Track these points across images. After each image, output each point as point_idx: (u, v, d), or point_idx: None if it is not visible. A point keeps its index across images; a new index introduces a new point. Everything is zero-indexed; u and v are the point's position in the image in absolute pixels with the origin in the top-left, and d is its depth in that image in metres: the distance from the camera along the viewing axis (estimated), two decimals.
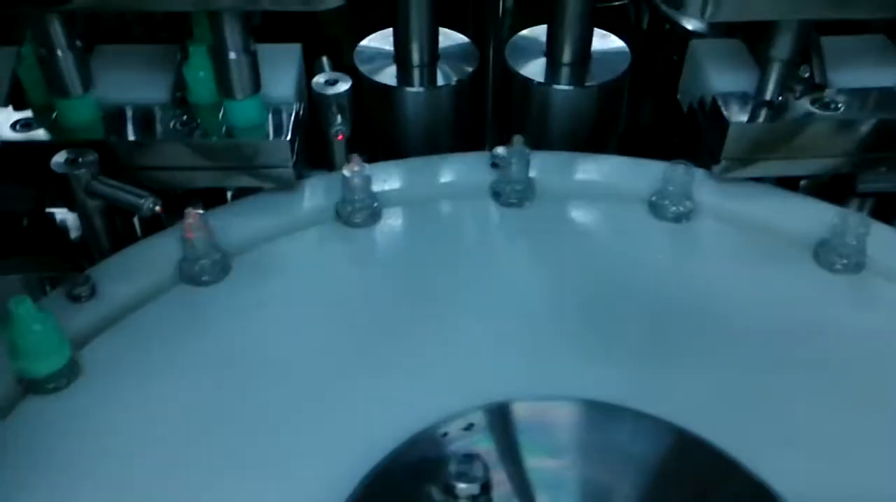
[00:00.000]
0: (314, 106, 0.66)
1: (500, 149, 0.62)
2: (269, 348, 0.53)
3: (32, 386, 0.49)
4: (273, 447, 0.47)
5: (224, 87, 0.58)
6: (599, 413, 0.49)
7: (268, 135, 0.59)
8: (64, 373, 0.49)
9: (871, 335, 0.54)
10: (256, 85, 0.59)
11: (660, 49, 0.81)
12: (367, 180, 0.59)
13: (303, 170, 0.63)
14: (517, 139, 0.60)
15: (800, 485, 0.45)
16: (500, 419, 0.48)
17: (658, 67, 0.81)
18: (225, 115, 0.59)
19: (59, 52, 0.57)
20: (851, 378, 0.52)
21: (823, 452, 0.48)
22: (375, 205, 0.61)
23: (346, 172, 0.59)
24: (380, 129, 0.71)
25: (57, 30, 0.56)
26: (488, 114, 0.79)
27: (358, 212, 0.60)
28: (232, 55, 0.56)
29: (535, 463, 0.47)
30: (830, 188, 0.66)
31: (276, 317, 0.54)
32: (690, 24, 0.77)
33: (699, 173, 0.62)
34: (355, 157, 0.59)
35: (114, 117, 0.60)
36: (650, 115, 0.86)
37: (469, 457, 0.43)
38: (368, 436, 0.47)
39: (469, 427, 0.47)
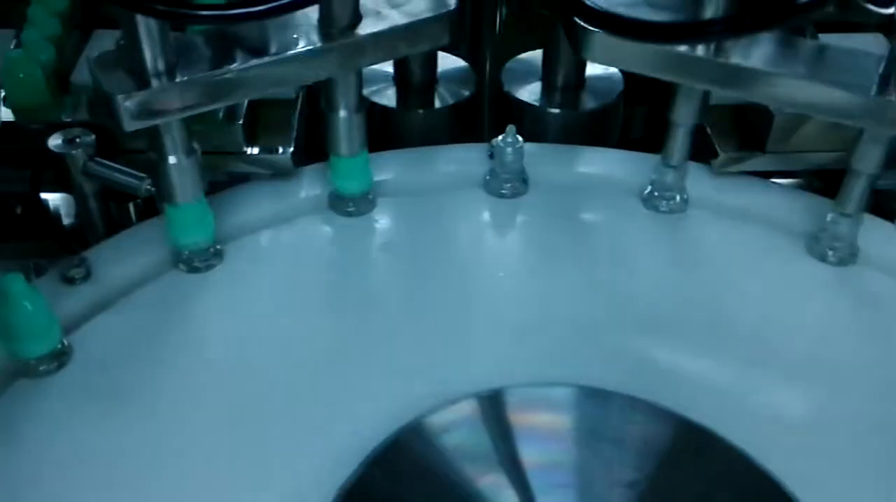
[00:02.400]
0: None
1: (497, 139, 0.62)
2: (262, 336, 0.52)
3: (23, 370, 0.49)
4: (265, 434, 0.47)
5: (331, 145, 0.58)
6: (594, 399, 0.49)
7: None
8: (55, 357, 0.49)
9: (864, 326, 0.54)
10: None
11: None
12: None
13: (301, 157, 0.64)
14: (510, 129, 0.60)
15: (796, 477, 0.45)
16: (494, 407, 0.49)
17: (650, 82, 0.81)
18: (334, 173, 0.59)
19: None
20: (844, 369, 0.52)
21: (818, 444, 0.48)
22: (370, 195, 0.61)
23: None
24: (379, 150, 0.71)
25: None
26: (485, 136, 0.79)
27: (352, 202, 0.60)
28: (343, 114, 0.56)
29: (530, 451, 0.47)
30: (826, 183, 0.66)
31: (269, 305, 0.54)
32: None
33: (693, 166, 0.62)
34: None
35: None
36: (640, 127, 0.86)
37: None
38: (364, 424, 0.47)
39: None
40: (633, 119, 0.84)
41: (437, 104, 0.72)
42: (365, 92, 0.70)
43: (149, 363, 0.50)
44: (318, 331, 0.53)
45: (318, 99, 0.65)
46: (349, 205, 0.60)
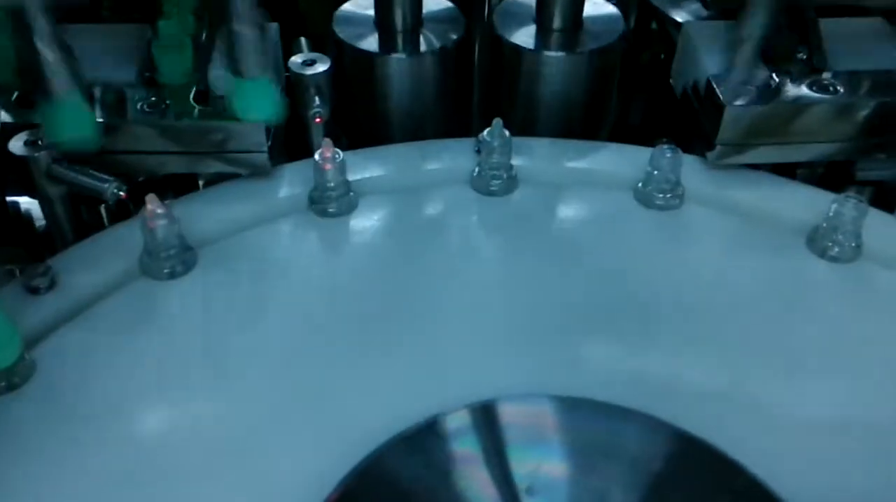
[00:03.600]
0: (292, 87, 0.63)
1: (484, 133, 0.60)
2: (237, 345, 0.50)
3: None
4: (243, 449, 0.45)
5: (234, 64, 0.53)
6: (588, 411, 0.46)
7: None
8: (16, 371, 0.47)
9: (867, 323, 0.52)
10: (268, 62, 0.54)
11: (647, 47, 0.78)
12: (342, 167, 0.57)
13: (279, 156, 0.61)
14: (497, 122, 0.58)
15: (797, 479, 0.43)
16: (486, 418, 0.46)
17: (645, 65, 0.79)
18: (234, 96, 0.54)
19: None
20: (847, 365, 0.50)
21: (818, 442, 0.46)
22: (351, 193, 0.58)
23: (317, 158, 0.56)
24: (360, 100, 0.68)
25: None
26: (475, 83, 0.75)
27: (333, 201, 0.57)
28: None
29: (522, 463, 0.44)
30: (828, 176, 0.64)
31: (245, 313, 0.52)
32: (680, 17, 0.74)
33: (690, 159, 0.60)
34: (327, 142, 0.56)
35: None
36: (638, 114, 0.83)
37: None
38: (347, 435, 0.44)
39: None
40: (632, 106, 0.82)
41: (423, 48, 0.67)
42: (344, 36, 0.67)
43: (116, 379, 0.48)
44: (297, 341, 0.50)
45: (295, 98, 0.63)
46: (329, 205, 0.58)
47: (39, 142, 0.54)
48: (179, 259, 0.53)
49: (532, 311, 0.53)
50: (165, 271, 0.53)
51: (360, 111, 0.68)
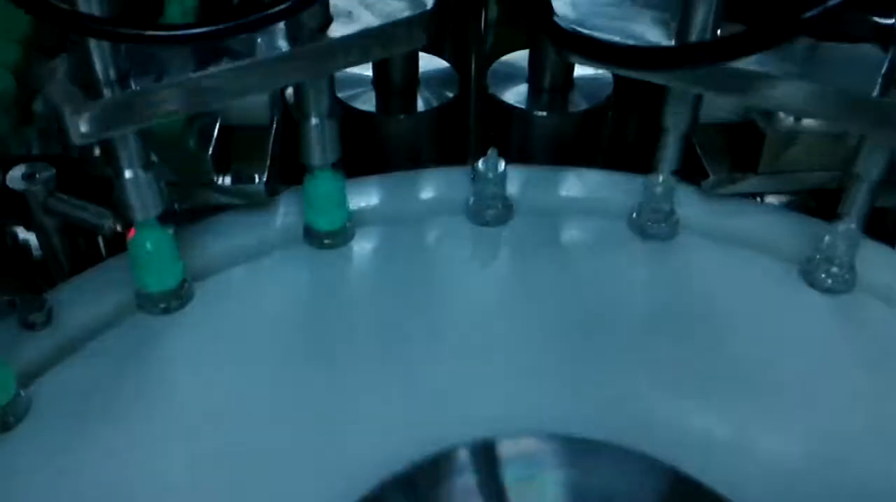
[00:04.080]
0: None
1: (479, 164, 0.60)
2: (235, 383, 0.50)
3: None
4: (238, 489, 0.45)
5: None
6: (586, 451, 0.46)
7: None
8: (10, 410, 0.46)
9: (861, 358, 0.52)
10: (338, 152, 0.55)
11: None
12: None
13: (276, 186, 0.61)
14: (492, 152, 0.58)
15: None
16: (484, 456, 0.46)
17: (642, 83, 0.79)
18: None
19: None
20: (840, 397, 0.50)
21: (809, 478, 0.46)
22: (347, 224, 0.58)
23: None
24: (357, 159, 0.69)
25: None
26: (471, 141, 0.77)
27: (328, 234, 0.57)
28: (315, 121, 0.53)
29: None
30: (824, 205, 0.64)
31: (242, 349, 0.52)
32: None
33: (685, 188, 0.60)
34: None
35: None
36: (634, 133, 0.84)
37: None
38: (342, 473, 0.44)
39: None
40: (627, 124, 0.82)
41: (420, 108, 0.69)
42: (343, 96, 0.68)
43: (113, 416, 0.48)
44: (294, 374, 0.50)
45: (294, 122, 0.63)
46: (325, 237, 0.58)
47: (37, 176, 0.54)
48: (175, 294, 0.53)
49: (529, 344, 0.53)
50: (161, 306, 0.53)
51: (358, 169, 0.69)
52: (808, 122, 0.57)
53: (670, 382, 0.51)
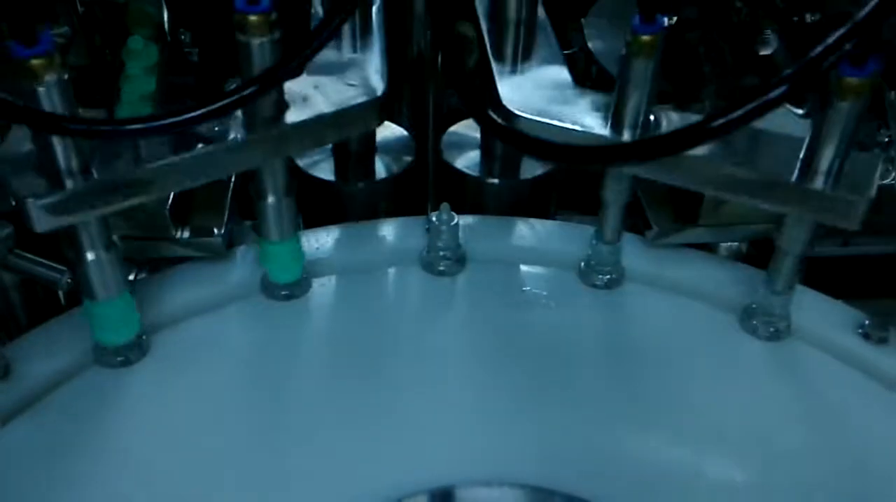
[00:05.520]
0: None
1: (433, 217, 0.62)
2: (194, 432, 0.51)
3: None
4: None
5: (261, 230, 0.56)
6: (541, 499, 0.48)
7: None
8: None
9: (794, 401, 0.55)
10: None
11: None
12: None
13: (234, 232, 0.62)
14: (444, 206, 0.60)
15: None
16: None
17: None
18: (265, 260, 0.58)
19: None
20: (779, 444, 0.52)
21: None
22: (304, 275, 0.60)
23: None
24: (319, 224, 0.70)
25: None
26: (429, 207, 0.79)
27: (284, 285, 0.59)
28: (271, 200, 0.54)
29: None
30: (762, 252, 0.67)
31: (199, 400, 0.53)
32: None
33: (630, 238, 0.62)
34: None
35: None
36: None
37: None
38: None
39: None
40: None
41: (379, 174, 0.71)
42: (302, 164, 0.70)
43: (71, 470, 0.48)
44: (253, 426, 0.52)
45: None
46: (283, 288, 0.59)
47: None
48: (133, 346, 0.54)
49: (481, 392, 0.55)
50: (119, 359, 0.54)
51: None
52: None
53: (618, 425, 0.53)
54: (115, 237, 0.51)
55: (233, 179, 0.63)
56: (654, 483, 0.50)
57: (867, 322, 0.57)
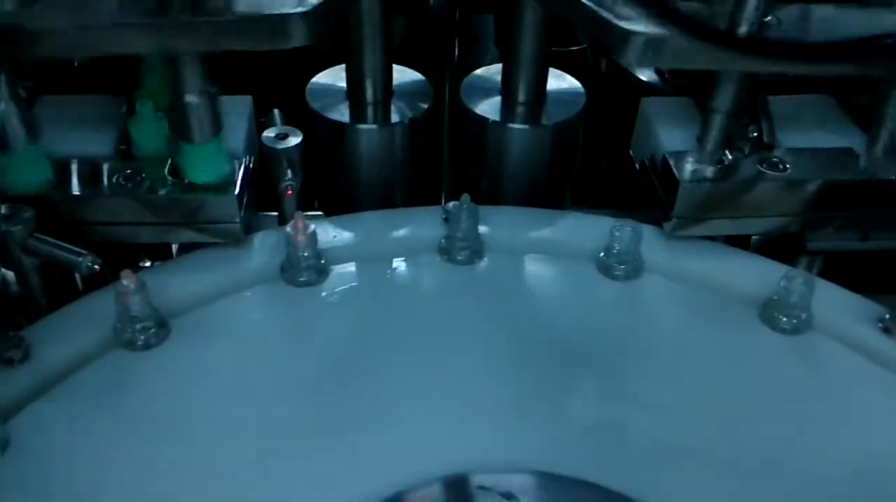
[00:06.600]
0: (265, 159, 0.65)
1: (451, 205, 0.62)
2: (211, 416, 0.51)
3: None
4: None
5: (181, 131, 0.56)
6: (557, 487, 0.48)
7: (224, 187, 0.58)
8: None
9: (814, 395, 0.54)
10: (216, 128, 0.57)
11: (618, 93, 0.81)
12: (313, 238, 0.58)
13: (252, 220, 0.62)
14: (464, 197, 0.60)
15: None
16: (458, 491, 0.48)
17: (616, 111, 0.81)
18: (183, 161, 0.57)
19: (2, 104, 0.55)
20: (798, 438, 0.52)
21: None
22: (322, 262, 0.60)
23: (289, 230, 0.58)
24: (332, 169, 0.70)
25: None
26: (445, 152, 0.78)
27: (304, 270, 0.59)
28: (190, 98, 0.54)
29: None
30: (782, 245, 0.67)
31: (219, 383, 0.53)
32: (644, 75, 0.78)
33: (648, 230, 0.62)
34: (299, 215, 0.58)
35: (54, 170, 0.58)
36: (607, 159, 0.86)
37: None
38: None
39: None
40: (600, 151, 0.85)
41: (394, 119, 0.69)
42: (317, 106, 0.69)
43: (91, 452, 0.48)
44: (270, 411, 0.51)
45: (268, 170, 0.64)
46: (301, 274, 0.59)
47: (17, 216, 0.55)
48: (153, 330, 0.54)
49: (498, 380, 0.54)
50: (139, 343, 0.54)
51: (333, 179, 0.70)
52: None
53: (635, 415, 0.53)
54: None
55: (250, 166, 0.63)
56: (669, 471, 0.49)
57: (887, 316, 0.57)
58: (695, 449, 0.51)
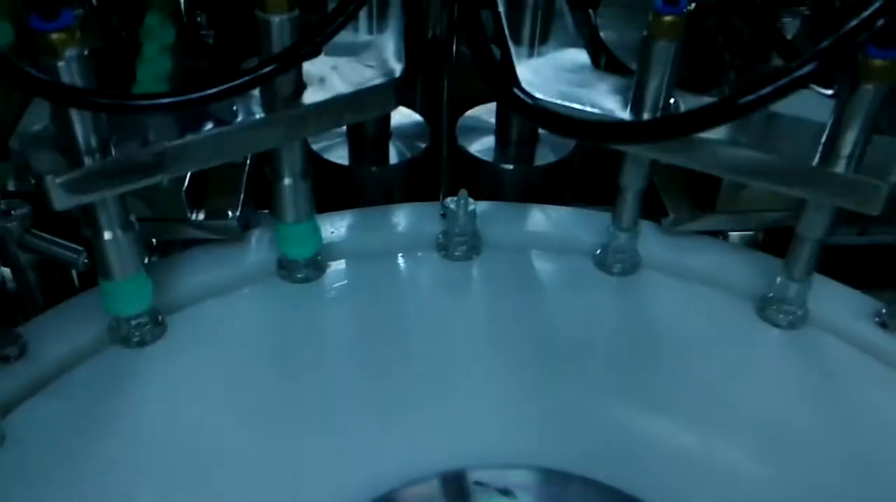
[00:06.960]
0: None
1: (448, 201, 0.62)
2: (209, 413, 0.51)
3: None
4: None
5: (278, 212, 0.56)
6: (555, 483, 0.48)
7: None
8: None
9: (811, 390, 0.54)
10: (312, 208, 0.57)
11: None
12: None
13: (250, 217, 0.62)
14: (462, 192, 0.60)
15: None
16: (456, 487, 0.48)
17: None
18: (281, 239, 0.58)
19: None
20: (795, 433, 0.52)
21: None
22: (319, 258, 0.60)
23: None
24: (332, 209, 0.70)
25: None
26: (442, 192, 0.79)
27: (302, 267, 0.59)
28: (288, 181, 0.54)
29: None
30: (781, 240, 0.67)
31: (215, 380, 0.53)
32: None
33: (645, 225, 0.62)
34: None
35: None
36: (604, 158, 0.86)
37: None
38: None
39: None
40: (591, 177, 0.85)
41: (393, 160, 0.71)
42: (316, 148, 0.70)
43: (87, 449, 0.48)
44: (268, 408, 0.51)
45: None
46: (298, 271, 0.59)
47: (12, 213, 0.55)
48: (148, 327, 0.54)
49: (496, 376, 0.54)
50: (135, 339, 0.54)
51: None
52: None
53: (633, 411, 0.53)
54: (132, 217, 0.51)
55: (248, 162, 0.63)
56: (668, 467, 0.49)
57: (884, 310, 0.57)
58: (693, 445, 0.51)
